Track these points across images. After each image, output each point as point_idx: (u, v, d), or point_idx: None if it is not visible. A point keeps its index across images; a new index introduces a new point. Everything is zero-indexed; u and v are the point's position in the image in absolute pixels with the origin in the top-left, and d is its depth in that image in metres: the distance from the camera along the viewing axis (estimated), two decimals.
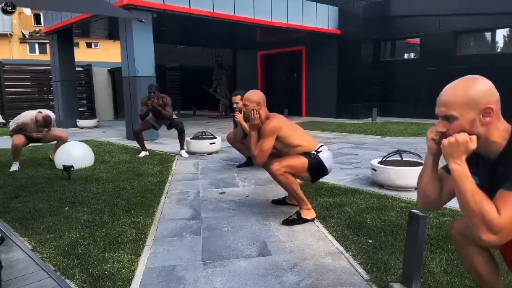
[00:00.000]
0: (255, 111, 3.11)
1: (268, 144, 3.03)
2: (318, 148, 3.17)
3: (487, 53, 10.96)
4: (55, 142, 5.75)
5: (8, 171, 5.19)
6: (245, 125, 4.59)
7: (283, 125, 3.10)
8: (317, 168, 3.10)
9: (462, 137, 1.29)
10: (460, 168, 1.29)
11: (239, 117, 4.75)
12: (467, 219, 1.28)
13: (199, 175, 4.90)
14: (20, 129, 5.31)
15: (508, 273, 2.09)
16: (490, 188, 1.30)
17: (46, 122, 5.31)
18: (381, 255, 2.44)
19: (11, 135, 5.36)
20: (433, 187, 1.50)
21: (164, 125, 6.37)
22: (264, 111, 3.17)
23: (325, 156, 3.14)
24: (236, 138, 5.18)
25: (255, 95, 3.18)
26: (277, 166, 2.99)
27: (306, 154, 3.10)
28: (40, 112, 5.37)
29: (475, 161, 1.41)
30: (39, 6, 7.38)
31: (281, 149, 3.14)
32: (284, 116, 3.27)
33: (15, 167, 5.27)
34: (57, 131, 5.76)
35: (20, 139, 5.30)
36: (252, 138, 3.17)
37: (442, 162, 1.48)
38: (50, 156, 5.80)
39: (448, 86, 1.38)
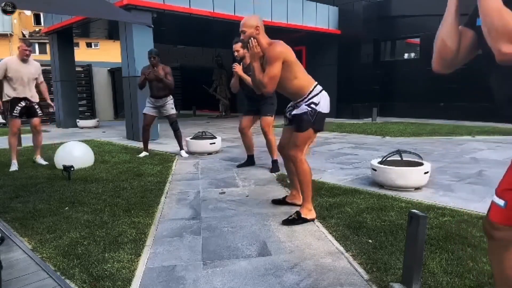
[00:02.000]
0: (253, 38, 2.96)
1: (277, 68, 2.89)
2: (313, 89, 3.04)
3: None
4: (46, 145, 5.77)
5: (8, 171, 5.19)
6: (244, 76, 4.45)
7: (288, 50, 2.98)
8: (320, 123, 3.07)
9: None
10: None
11: (237, 68, 4.57)
12: (488, 34, 1.22)
13: (199, 175, 4.90)
14: (5, 76, 5.20)
15: None
16: None
17: (25, 41, 5.31)
18: (381, 255, 2.44)
19: None
20: (454, 36, 1.42)
21: (162, 112, 6.15)
22: (263, 37, 3.00)
23: (322, 105, 3.03)
24: (233, 89, 4.97)
25: (253, 19, 3.00)
26: (297, 152, 3.02)
27: (307, 122, 2.99)
28: None
29: None
30: (42, 9, 7.36)
31: (282, 80, 2.98)
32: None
33: (14, 167, 5.27)
34: (36, 120, 5.61)
35: (15, 126, 5.34)
36: (255, 69, 2.99)
37: None
38: (34, 158, 5.77)
39: None
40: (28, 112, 5.49)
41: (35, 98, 5.51)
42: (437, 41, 1.48)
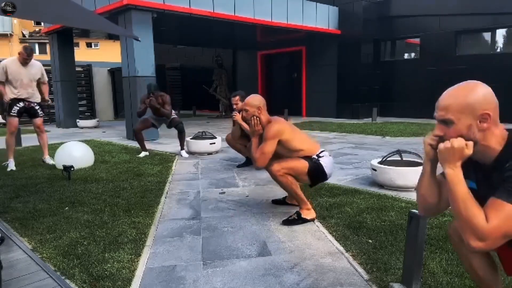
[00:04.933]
0: (255, 117, 3.12)
1: (270, 147, 3.03)
2: (320, 152, 3.16)
3: (487, 53, 10.97)
4: (48, 142, 5.78)
5: (7, 171, 5.19)
6: (244, 125, 4.58)
7: (285, 129, 3.10)
8: (317, 173, 3.10)
9: (458, 142, 1.30)
10: (454, 173, 1.31)
11: (237, 117, 4.78)
12: (458, 223, 1.31)
13: (199, 175, 4.90)
14: (6, 79, 5.19)
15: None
16: (485, 194, 1.30)
17: (26, 49, 5.30)
18: (381, 255, 2.44)
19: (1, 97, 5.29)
20: (432, 193, 1.50)
21: (164, 124, 6.35)
22: (265, 115, 3.19)
23: (326, 161, 3.13)
24: (234, 137, 5.16)
25: (255, 100, 3.19)
26: (277, 167, 3.00)
27: (307, 158, 3.10)
28: None
29: (472, 166, 1.41)
30: (42, 19, 7.38)
31: (283, 154, 3.14)
32: (285, 120, 3.27)
33: (12, 165, 5.27)
34: (38, 120, 5.60)
35: (13, 125, 5.34)
36: (253, 144, 3.16)
37: (440, 169, 1.50)
38: (43, 158, 5.75)
39: (447, 90, 1.39)
40: (29, 113, 5.49)
41: (36, 98, 5.51)
42: (417, 195, 1.56)
